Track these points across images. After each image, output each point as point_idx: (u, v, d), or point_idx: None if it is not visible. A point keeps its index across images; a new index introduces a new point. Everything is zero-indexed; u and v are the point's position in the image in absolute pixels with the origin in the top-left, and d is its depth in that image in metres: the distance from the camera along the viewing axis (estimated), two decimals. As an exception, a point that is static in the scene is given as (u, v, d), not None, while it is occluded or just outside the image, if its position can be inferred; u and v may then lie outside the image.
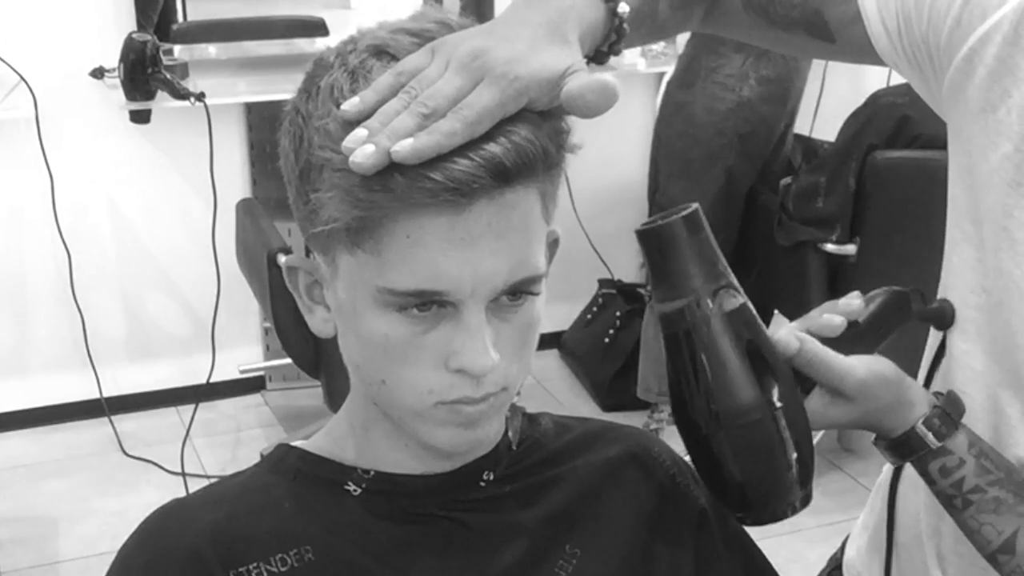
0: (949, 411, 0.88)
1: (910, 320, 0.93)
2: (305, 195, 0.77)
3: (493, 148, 0.72)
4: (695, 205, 0.81)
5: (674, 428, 2.89)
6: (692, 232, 0.80)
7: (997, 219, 0.90)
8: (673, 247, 0.80)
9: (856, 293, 0.89)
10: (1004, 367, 0.91)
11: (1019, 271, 0.88)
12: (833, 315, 0.87)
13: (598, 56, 0.87)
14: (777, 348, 0.84)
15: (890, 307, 0.91)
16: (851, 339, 0.87)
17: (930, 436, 0.87)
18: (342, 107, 0.74)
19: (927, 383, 0.99)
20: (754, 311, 0.83)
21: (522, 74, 0.74)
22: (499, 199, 0.74)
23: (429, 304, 0.76)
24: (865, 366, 0.85)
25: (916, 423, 0.87)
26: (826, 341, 0.86)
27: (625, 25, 0.85)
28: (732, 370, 0.81)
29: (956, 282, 0.95)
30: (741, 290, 0.83)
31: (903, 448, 0.88)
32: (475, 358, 0.76)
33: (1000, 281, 0.90)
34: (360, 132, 0.72)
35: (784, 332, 0.85)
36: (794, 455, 0.82)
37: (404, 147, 0.71)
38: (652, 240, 0.81)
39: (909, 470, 1.03)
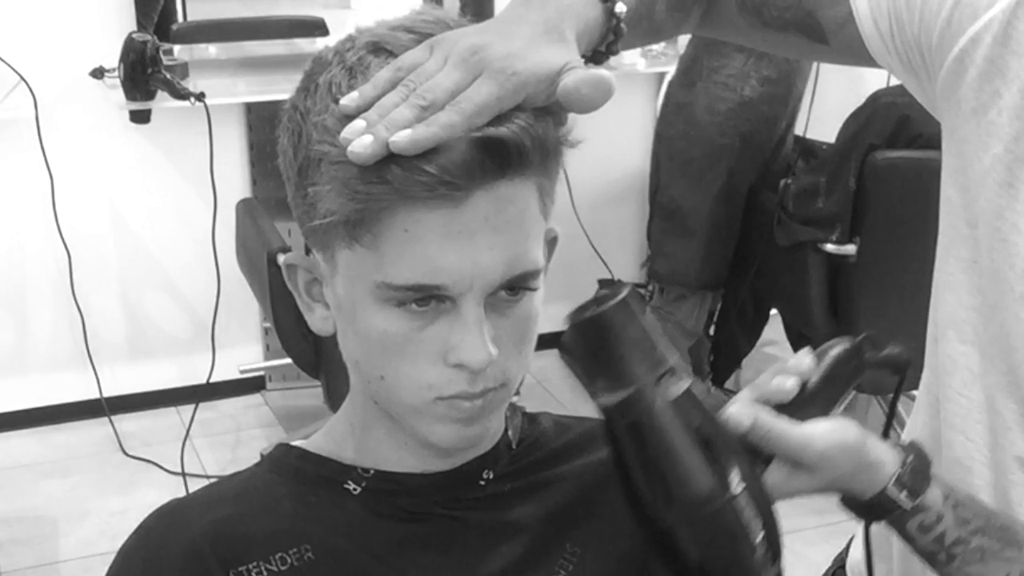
0: (918, 465, 0.84)
1: (865, 372, 0.89)
2: (303, 190, 0.78)
3: (492, 135, 0.73)
4: (629, 287, 0.77)
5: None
6: (629, 317, 0.76)
7: (990, 220, 0.89)
8: (610, 335, 0.76)
9: (807, 350, 0.86)
10: (1000, 369, 0.91)
11: (1012, 273, 0.88)
12: (784, 377, 0.83)
13: (596, 56, 0.87)
14: (729, 427, 0.80)
15: (843, 362, 0.86)
16: (807, 400, 0.83)
17: (903, 496, 0.82)
18: (341, 102, 0.75)
19: (889, 420, 0.95)
20: (700, 391, 0.79)
21: (520, 69, 0.74)
22: (495, 192, 0.74)
23: (427, 299, 0.76)
24: (823, 434, 0.81)
25: (887, 484, 0.82)
26: (781, 406, 0.82)
27: (622, 25, 0.86)
28: (685, 460, 0.76)
29: (952, 283, 0.95)
30: (686, 370, 0.78)
31: (877, 510, 0.84)
32: (473, 352, 0.76)
33: (995, 283, 0.89)
34: (358, 124, 0.73)
35: (735, 408, 0.81)
36: (759, 537, 0.77)
37: (402, 137, 0.71)
38: (586, 331, 0.76)
39: None
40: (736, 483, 0.77)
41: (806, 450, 0.80)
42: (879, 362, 0.89)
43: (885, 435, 0.91)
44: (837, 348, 0.86)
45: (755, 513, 0.77)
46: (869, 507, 0.84)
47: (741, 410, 0.80)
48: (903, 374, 0.91)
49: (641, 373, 0.76)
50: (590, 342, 0.77)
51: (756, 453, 0.81)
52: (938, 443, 0.98)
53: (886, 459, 0.83)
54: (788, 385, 0.82)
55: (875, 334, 0.89)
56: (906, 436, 1.05)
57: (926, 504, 0.83)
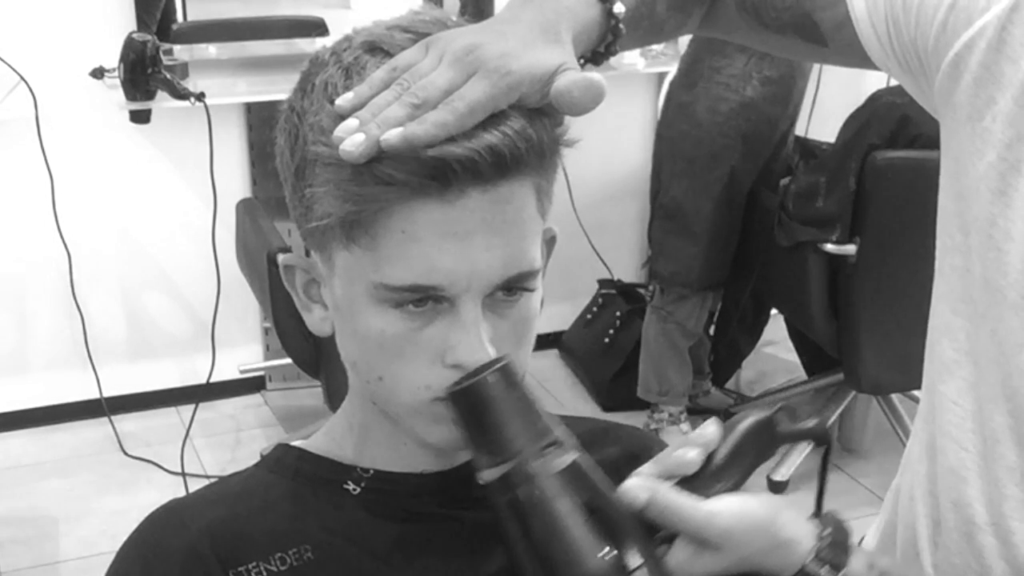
0: (837, 537, 0.79)
1: (778, 446, 0.83)
2: (300, 191, 0.78)
3: (486, 138, 0.73)
4: (507, 358, 0.75)
5: (674, 428, 2.93)
6: (507, 388, 0.74)
7: (983, 228, 0.88)
8: (487, 407, 0.73)
9: (713, 419, 0.81)
10: (991, 379, 0.90)
11: (1004, 281, 0.87)
12: (687, 448, 0.78)
13: (595, 57, 0.87)
14: (622, 503, 0.75)
15: (753, 435, 0.81)
16: (713, 474, 0.78)
17: (825, 571, 0.78)
18: (336, 102, 0.75)
19: (820, 490, 0.91)
20: (590, 465, 0.75)
21: (514, 69, 0.74)
22: (492, 192, 0.74)
23: (425, 300, 0.76)
24: (727, 510, 0.76)
25: (805, 562, 0.78)
26: (686, 481, 0.77)
27: (621, 25, 0.86)
28: (572, 537, 0.71)
29: (946, 290, 0.94)
30: (574, 443, 0.75)
31: None
32: (471, 353, 0.76)
33: (987, 291, 0.89)
34: (351, 123, 0.73)
35: (632, 482, 0.76)
36: None
37: (394, 135, 0.71)
38: (463, 402, 0.74)
39: (908, 481, 1.03)
40: (631, 563, 0.72)
41: (709, 527, 0.75)
42: (794, 435, 0.85)
43: (818, 510, 0.86)
44: (747, 420, 0.82)
45: None
46: None
47: (638, 484, 0.76)
48: (826, 445, 0.87)
49: (522, 445, 0.73)
50: (466, 414, 0.75)
51: (656, 531, 0.76)
52: (933, 449, 0.98)
53: (801, 534, 0.79)
54: (690, 456, 0.78)
55: (792, 407, 0.86)
56: (909, 441, 1.05)
57: None
